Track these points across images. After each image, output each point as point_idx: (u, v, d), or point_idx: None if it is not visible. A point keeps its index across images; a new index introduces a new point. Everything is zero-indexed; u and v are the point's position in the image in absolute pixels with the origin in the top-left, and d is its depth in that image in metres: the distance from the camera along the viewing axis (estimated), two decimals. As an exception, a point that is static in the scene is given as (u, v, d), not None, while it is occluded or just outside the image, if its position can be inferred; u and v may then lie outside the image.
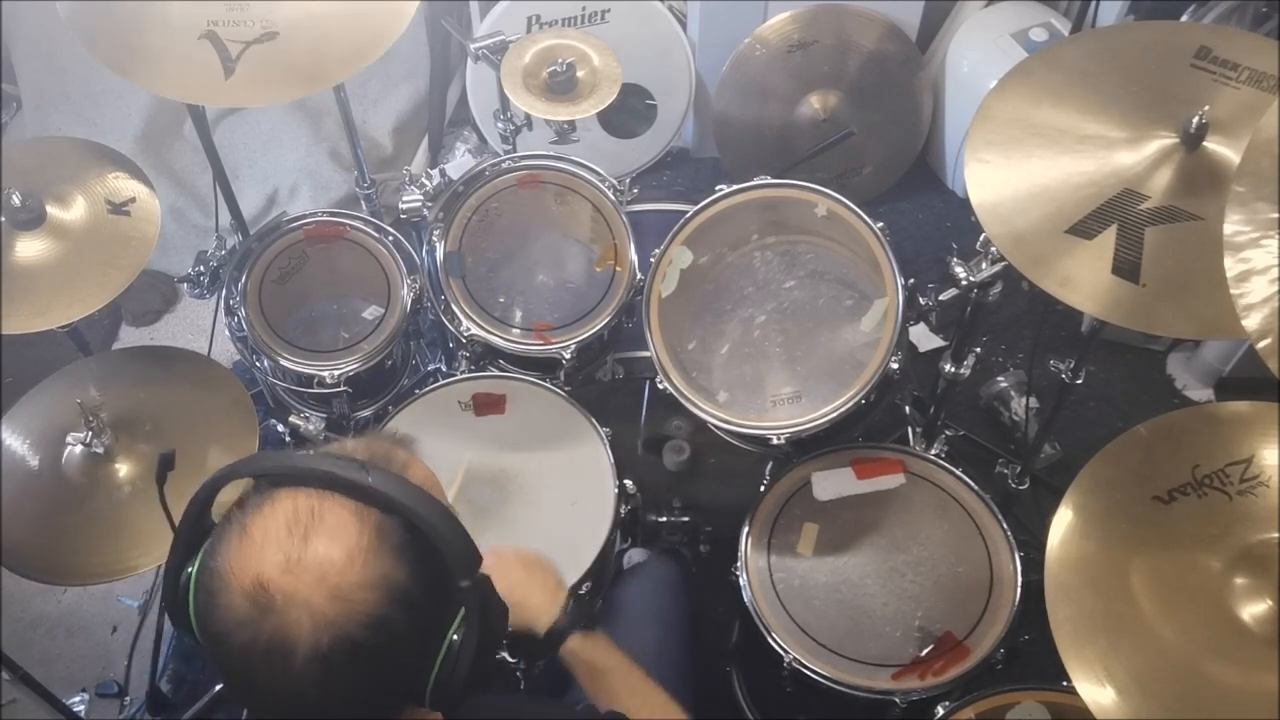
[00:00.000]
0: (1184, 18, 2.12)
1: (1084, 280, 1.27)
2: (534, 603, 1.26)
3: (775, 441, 1.56)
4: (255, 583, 0.77)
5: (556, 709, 1.26)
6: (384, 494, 0.81)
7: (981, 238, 1.51)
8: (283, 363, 1.79)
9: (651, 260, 1.68)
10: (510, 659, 1.55)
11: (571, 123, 1.87)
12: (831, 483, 1.63)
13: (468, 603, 0.84)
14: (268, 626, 0.77)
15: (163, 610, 1.98)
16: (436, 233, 1.80)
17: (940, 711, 1.40)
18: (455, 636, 0.84)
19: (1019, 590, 1.51)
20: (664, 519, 1.92)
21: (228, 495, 0.87)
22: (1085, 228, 1.29)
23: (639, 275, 1.76)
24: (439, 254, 1.79)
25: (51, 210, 1.60)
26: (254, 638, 0.77)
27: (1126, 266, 1.26)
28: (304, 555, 0.78)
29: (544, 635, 1.25)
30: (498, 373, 1.79)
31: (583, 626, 1.26)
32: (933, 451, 1.83)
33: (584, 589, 1.56)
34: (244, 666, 0.79)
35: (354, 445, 0.90)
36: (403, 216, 1.81)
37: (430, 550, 0.82)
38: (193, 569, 0.84)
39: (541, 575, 1.31)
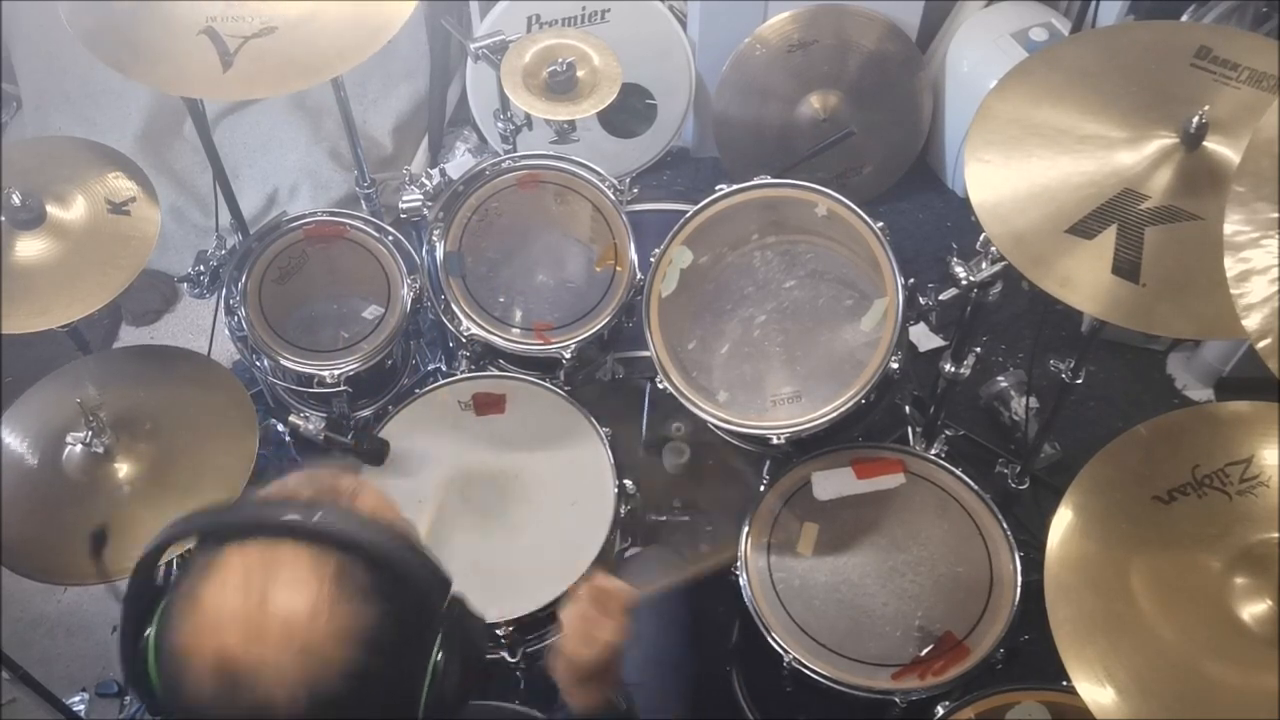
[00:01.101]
0: (1184, 18, 2.12)
1: (1084, 280, 1.27)
2: (587, 658, 1.13)
3: (775, 441, 1.56)
4: (219, 658, 0.73)
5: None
6: (337, 533, 0.77)
7: (981, 238, 1.51)
8: (283, 362, 1.79)
9: (651, 260, 1.68)
10: (510, 659, 1.56)
11: (571, 123, 1.86)
12: (831, 482, 1.63)
13: (444, 628, 0.82)
14: (242, 700, 0.73)
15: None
16: (436, 232, 1.80)
17: (940, 711, 1.40)
18: (437, 660, 0.81)
19: (1019, 590, 1.51)
20: (664, 519, 1.92)
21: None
22: (1085, 227, 1.29)
23: (639, 275, 1.76)
24: (439, 254, 1.79)
25: (51, 210, 1.60)
26: (229, 713, 0.74)
27: (1126, 266, 1.26)
28: (264, 620, 0.73)
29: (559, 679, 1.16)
30: (498, 373, 1.79)
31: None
32: (933, 451, 1.83)
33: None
34: None
35: (295, 482, 0.84)
36: (403, 216, 1.81)
37: (396, 582, 0.79)
38: (149, 635, 0.79)
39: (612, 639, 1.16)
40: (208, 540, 0.79)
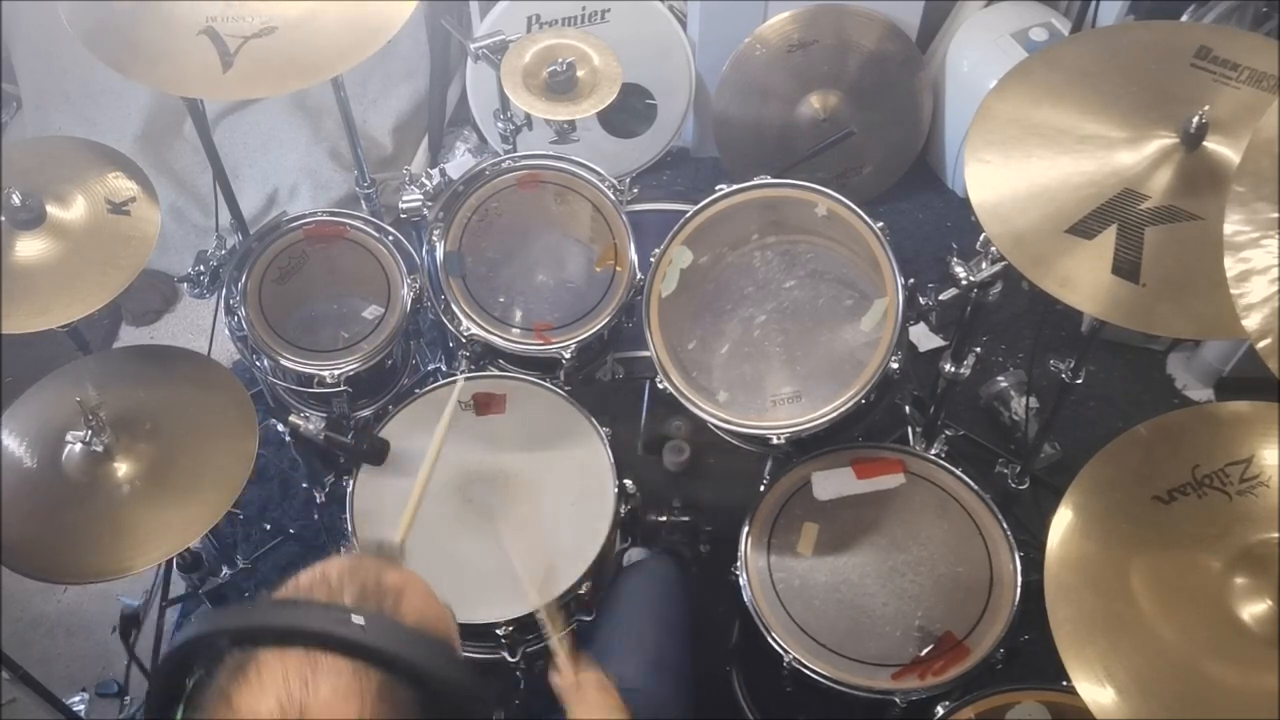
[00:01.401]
0: (1184, 18, 2.12)
1: (1084, 280, 1.27)
2: None
3: (775, 441, 1.56)
4: None
5: None
6: (380, 649, 0.72)
7: (981, 238, 1.51)
8: (283, 362, 1.79)
9: (651, 260, 1.68)
10: (510, 659, 1.56)
11: (571, 122, 1.86)
12: (831, 482, 1.63)
13: None
14: None
15: (163, 610, 1.99)
16: (436, 232, 1.80)
17: (940, 711, 1.40)
18: None
19: (1019, 590, 1.51)
20: (664, 519, 1.92)
21: None
22: (1085, 227, 1.29)
23: (639, 275, 1.76)
24: (439, 254, 1.79)
25: (51, 210, 1.60)
26: None
27: (1126, 266, 1.26)
28: None
29: None
30: (498, 373, 1.79)
31: None
32: (933, 451, 1.83)
33: (584, 589, 1.56)
34: None
35: (338, 574, 0.80)
36: (403, 216, 1.81)
37: (439, 699, 0.75)
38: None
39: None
40: (243, 640, 0.74)
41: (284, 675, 0.71)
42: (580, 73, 1.87)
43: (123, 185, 1.66)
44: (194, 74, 1.57)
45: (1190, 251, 1.26)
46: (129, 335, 2.64)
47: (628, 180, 1.83)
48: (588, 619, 1.59)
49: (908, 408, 2.02)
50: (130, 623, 0.98)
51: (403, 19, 1.61)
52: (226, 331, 1.90)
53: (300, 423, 1.75)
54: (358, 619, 0.73)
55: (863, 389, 1.52)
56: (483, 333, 1.75)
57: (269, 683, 0.71)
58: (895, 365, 1.53)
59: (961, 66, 2.60)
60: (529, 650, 1.59)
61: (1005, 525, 1.58)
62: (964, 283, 1.56)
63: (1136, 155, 1.31)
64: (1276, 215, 1.00)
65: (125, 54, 1.58)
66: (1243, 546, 1.18)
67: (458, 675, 0.76)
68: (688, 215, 1.67)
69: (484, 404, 1.74)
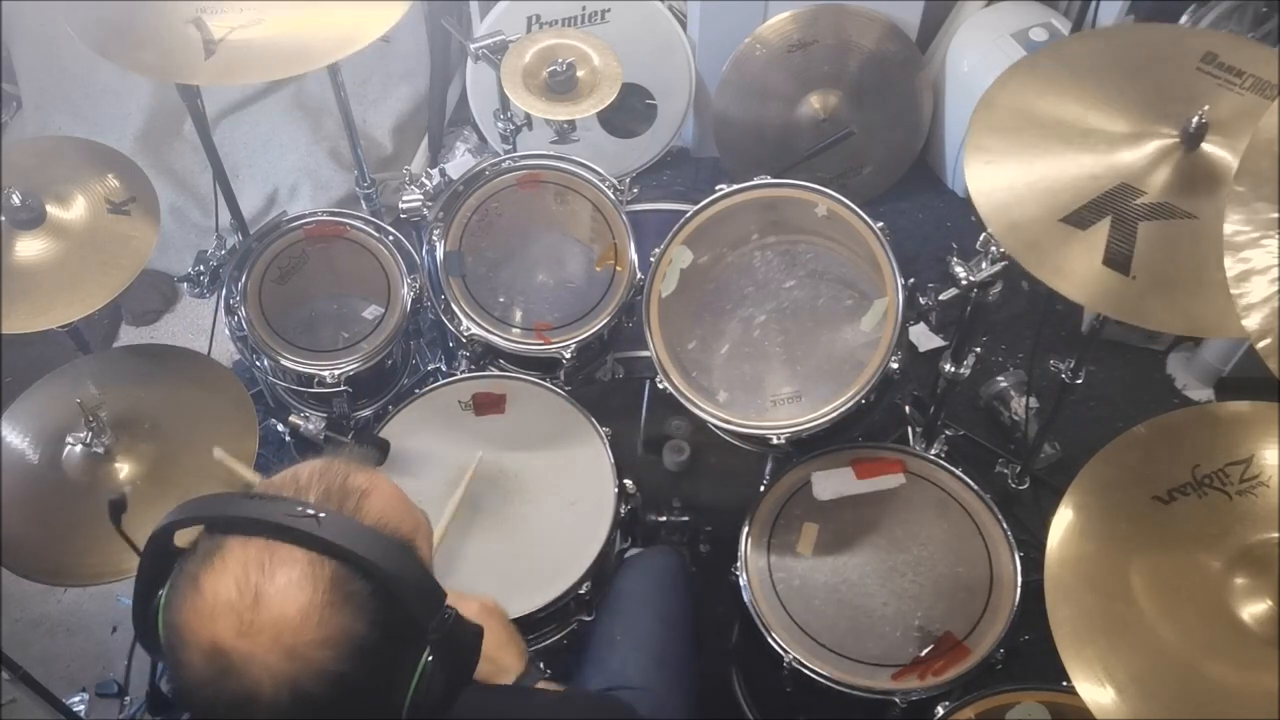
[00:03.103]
0: (1184, 18, 2.12)
1: (1074, 268, 1.28)
2: (506, 662, 1.27)
3: (775, 441, 1.56)
4: (211, 646, 0.77)
5: (545, 699, 1.26)
6: (335, 544, 0.79)
7: (981, 237, 1.51)
8: (283, 362, 1.79)
9: (651, 260, 1.68)
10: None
11: (571, 122, 1.86)
12: (831, 482, 1.63)
13: (434, 641, 0.83)
14: (228, 688, 0.76)
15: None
16: (436, 232, 1.80)
17: (940, 711, 1.40)
18: (423, 671, 0.82)
19: (1019, 590, 1.51)
20: (664, 519, 1.92)
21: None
22: (1080, 217, 1.30)
23: (639, 275, 1.76)
24: (439, 253, 1.79)
25: (51, 210, 1.61)
26: (216, 697, 0.77)
27: (1118, 258, 1.28)
28: (256, 618, 0.76)
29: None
30: (498, 372, 1.79)
31: (545, 678, 1.27)
32: (933, 451, 1.83)
33: (584, 589, 1.56)
34: (212, 717, 0.79)
35: (309, 474, 0.86)
36: (403, 216, 1.81)
37: (389, 594, 0.80)
38: (161, 597, 0.83)
39: (517, 637, 1.32)
40: (214, 528, 0.82)
41: (244, 562, 0.78)
42: (580, 73, 1.87)
43: (123, 185, 1.66)
44: (176, 59, 1.57)
45: (1182, 249, 1.27)
46: (129, 335, 2.64)
47: (628, 180, 1.83)
48: (588, 619, 1.59)
49: (908, 408, 2.02)
50: (118, 507, 1.02)
51: (390, 21, 1.62)
52: (226, 331, 1.90)
53: (300, 423, 1.75)
54: (312, 513, 0.79)
55: (863, 389, 1.52)
56: (483, 333, 1.75)
57: (231, 566, 0.78)
58: (895, 365, 1.53)
59: (961, 66, 2.60)
60: (529, 650, 1.59)
61: (1005, 525, 1.58)
62: (964, 283, 1.56)
63: (1137, 152, 1.32)
64: (1276, 215, 1.00)
65: (115, 42, 1.59)
66: (1243, 546, 1.18)
67: (409, 571, 0.81)
68: (688, 215, 1.67)
69: (484, 404, 1.74)
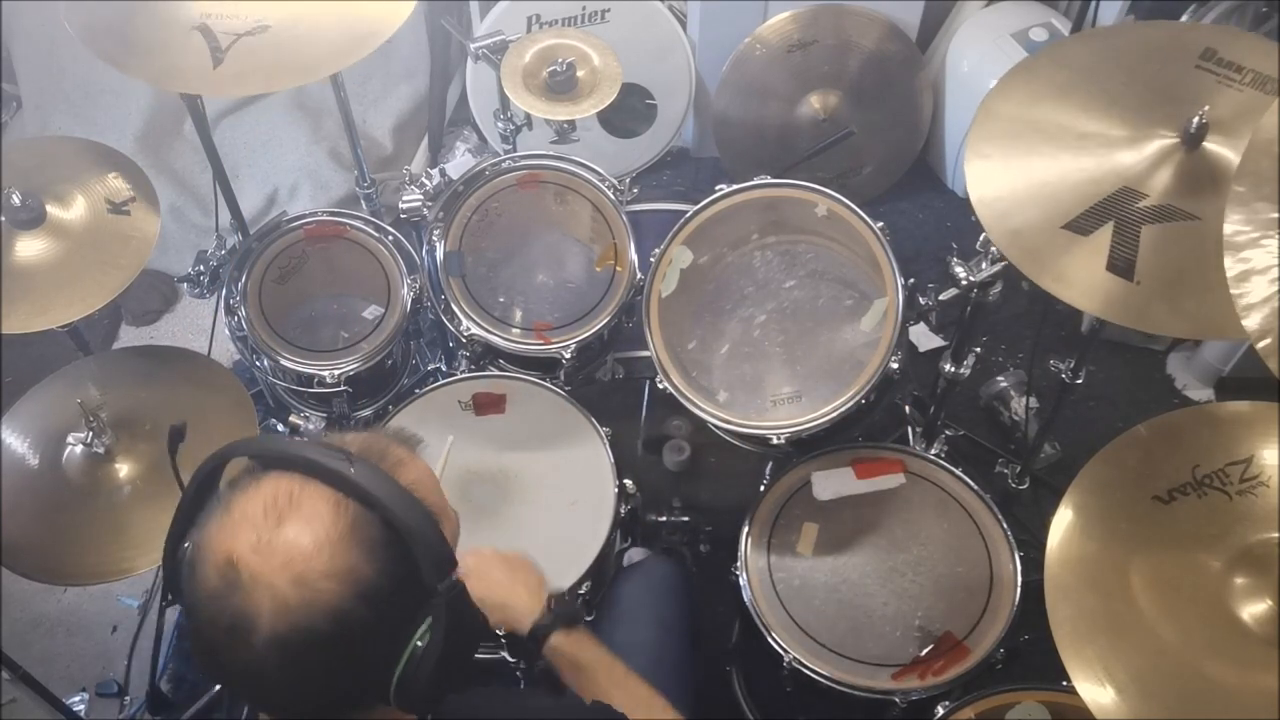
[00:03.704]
0: (1184, 17, 2.12)
1: (1078, 276, 1.27)
2: (517, 603, 1.28)
3: (775, 441, 1.56)
4: (226, 559, 0.79)
5: (543, 702, 1.26)
6: (363, 488, 0.82)
7: (981, 237, 1.51)
8: (283, 362, 1.79)
9: (651, 260, 1.68)
10: (511, 659, 1.56)
11: (571, 122, 1.86)
12: (831, 482, 1.63)
13: (437, 607, 0.84)
14: (233, 603, 0.79)
15: (163, 610, 1.98)
16: (436, 232, 1.80)
17: (940, 711, 1.40)
18: (420, 641, 0.84)
19: (1019, 590, 1.51)
20: (664, 519, 1.92)
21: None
22: (1082, 224, 1.29)
23: (639, 275, 1.76)
24: (439, 253, 1.79)
25: (51, 210, 1.60)
26: (220, 611, 0.79)
27: (1121, 263, 1.27)
28: (274, 538, 0.79)
29: (527, 634, 1.26)
30: (498, 372, 1.79)
31: (566, 624, 1.27)
32: (933, 451, 1.83)
33: (584, 589, 1.56)
34: (210, 637, 0.81)
35: (353, 437, 0.90)
36: (403, 216, 1.81)
37: (404, 550, 0.82)
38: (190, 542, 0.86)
39: (525, 575, 1.32)
40: (258, 462, 0.86)
41: (275, 490, 0.83)
42: (580, 73, 1.87)
43: (123, 185, 1.66)
44: (184, 69, 1.57)
45: (1186, 251, 1.26)
46: (129, 335, 2.64)
47: (628, 180, 1.83)
48: (588, 619, 1.59)
49: (908, 408, 2.02)
50: (178, 435, 1.06)
51: (396, 24, 1.61)
52: (226, 331, 1.90)
53: (300, 423, 1.75)
54: (347, 457, 0.84)
55: (863, 389, 1.52)
56: (483, 333, 1.75)
57: (265, 491, 0.83)
58: (895, 365, 1.53)
59: (961, 66, 2.60)
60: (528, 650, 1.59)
61: (1005, 525, 1.58)
62: (964, 283, 1.56)
63: (1137, 154, 1.31)
64: (1276, 215, 1.00)
65: (119, 49, 1.58)
66: (1243, 546, 1.18)
67: (427, 532, 0.84)
68: (688, 215, 1.67)
69: (484, 404, 1.74)
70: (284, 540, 0.79)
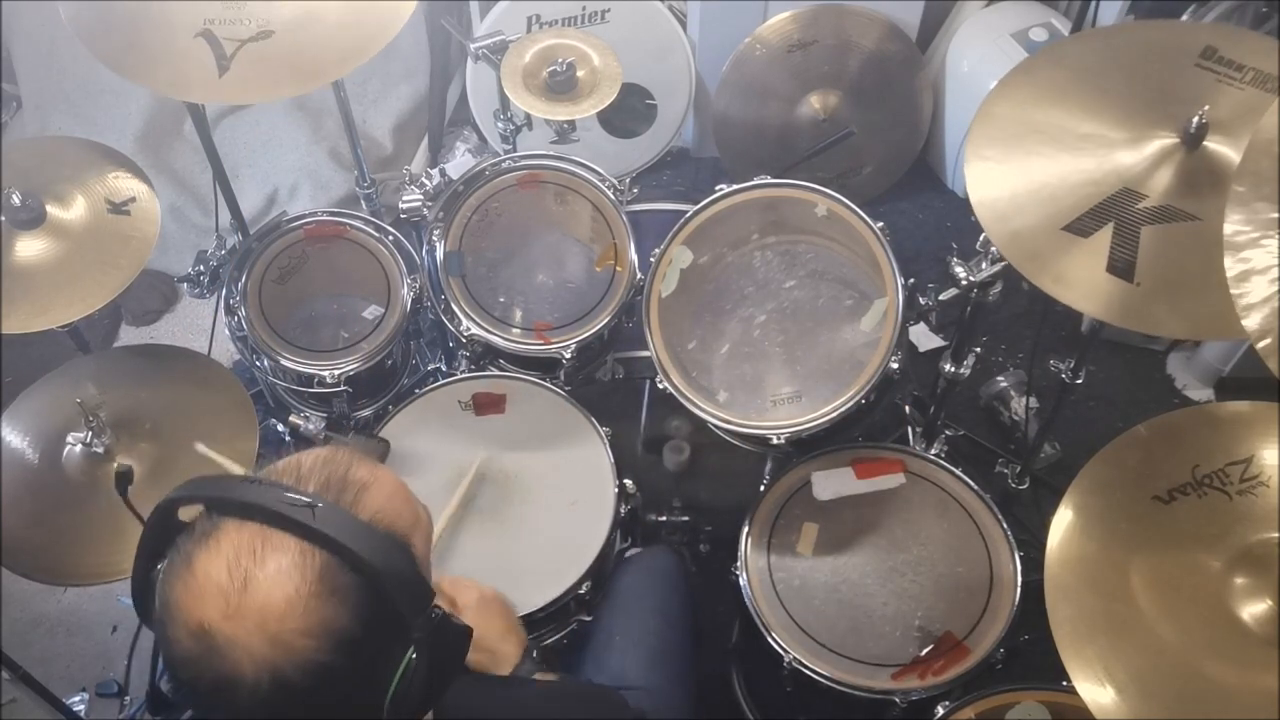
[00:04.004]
0: (1184, 18, 2.12)
1: (1079, 277, 1.27)
2: (507, 650, 1.28)
3: (775, 441, 1.56)
4: (199, 625, 0.77)
5: (529, 690, 1.26)
6: (328, 536, 0.79)
7: (981, 237, 1.51)
8: (283, 362, 1.79)
9: (651, 260, 1.68)
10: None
11: (571, 123, 1.86)
12: (831, 482, 1.63)
13: (419, 640, 0.83)
14: (211, 666, 0.77)
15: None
16: (436, 232, 1.80)
17: (940, 711, 1.40)
18: (406, 667, 0.82)
19: (1019, 590, 1.51)
20: (664, 519, 1.92)
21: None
22: (1082, 225, 1.29)
23: (639, 275, 1.76)
24: (439, 254, 1.79)
25: (51, 210, 1.60)
26: (200, 674, 0.78)
27: (1121, 265, 1.26)
28: (243, 602, 0.77)
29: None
30: (498, 372, 1.79)
31: (541, 669, 1.28)
32: (933, 451, 1.83)
33: (584, 589, 1.56)
34: (195, 694, 0.80)
35: (312, 463, 0.87)
36: (403, 216, 1.81)
37: (377, 589, 0.80)
38: (160, 570, 0.83)
39: (516, 625, 1.33)
40: (213, 509, 0.82)
41: (237, 545, 0.79)
42: (580, 73, 1.87)
43: (123, 185, 1.66)
44: (191, 77, 1.57)
45: (1186, 252, 1.26)
46: (129, 335, 2.64)
47: (628, 180, 1.83)
48: (587, 619, 1.59)
49: (908, 408, 2.02)
50: (125, 479, 1.05)
51: (400, 24, 1.61)
52: (226, 331, 1.90)
53: (300, 423, 1.75)
54: (308, 502, 0.80)
55: (863, 389, 1.52)
56: (483, 333, 1.75)
57: (225, 549, 0.79)
58: (895, 365, 1.53)
59: (961, 66, 2.60)
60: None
61: (1005, 525, 1.58)
62: (964, 283, 1.56)
63: (1136, 155, 1.31)
64: (1276, 215, 1.00)
65: (124, 55, 1.58)
66: (1243, 546, 1.18)
67: (399, 568, 0.82)
68: (688, 215, 1.67)
69: (484, 404, 1.74)
70: (254, 603, 0.77)
